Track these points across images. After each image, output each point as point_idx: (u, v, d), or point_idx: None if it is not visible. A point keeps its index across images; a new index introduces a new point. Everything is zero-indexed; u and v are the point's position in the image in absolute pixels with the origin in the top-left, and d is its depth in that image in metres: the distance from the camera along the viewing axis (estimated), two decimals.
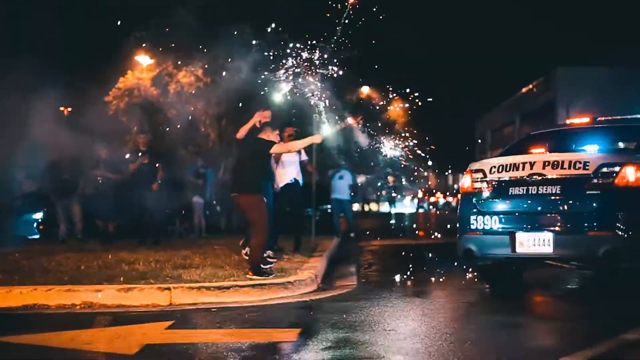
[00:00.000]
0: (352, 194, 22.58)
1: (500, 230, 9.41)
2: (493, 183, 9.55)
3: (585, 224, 8.83)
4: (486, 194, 9.59)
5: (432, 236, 23.27)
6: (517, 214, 9.35)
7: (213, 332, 7.53)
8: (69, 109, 28.49)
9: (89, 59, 27.69)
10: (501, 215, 9.46)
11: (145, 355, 6.52)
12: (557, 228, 9.00)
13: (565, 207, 9.02)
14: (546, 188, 9.10)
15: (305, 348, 6.84)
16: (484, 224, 9.52)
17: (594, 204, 8.82)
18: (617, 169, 8.78)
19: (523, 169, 9.32)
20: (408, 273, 12.33)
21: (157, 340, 7.06)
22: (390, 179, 59.07)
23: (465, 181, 9.96)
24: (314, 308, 9.02)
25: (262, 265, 10.44)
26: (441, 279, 11.43)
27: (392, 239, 20.67)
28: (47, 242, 16.70)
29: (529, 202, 9.25)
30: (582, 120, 11.29)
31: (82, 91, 24.28)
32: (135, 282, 9.61)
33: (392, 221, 37.85)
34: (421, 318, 8.13)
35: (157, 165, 16.19)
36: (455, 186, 71.46)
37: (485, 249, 9.59)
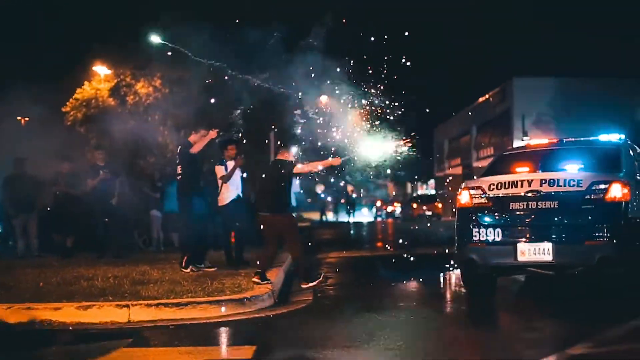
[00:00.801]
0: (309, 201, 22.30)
1: (502, 241, 10.29)
2: (494, 199, 10.48)
3: (582, 235, 9.90)
4: (487, 208, 10.50)
5: (390, 248, 23.44)
6: (518, 226, 10.27)
7: (170, 350, 7.67)
8: (26, 119, 28.34)
9: (47, 68, 27.64)
10: (503, 228, 10.33)
11: None
12: (556, 238, 9.98)
13: (563, 219, 10.05)
14: (545, 203, 10.11)
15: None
16: (487, 236, 10.38)
17: (589, 217, 9.92)
18: (606, 186, 9.97)
19: (522, 186, 10.31)
20: (365, 287, 12.53)
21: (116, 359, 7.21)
22: (349, 188, 59.34)
23: (463, 197, 10.79)
24: (270, 324, 9.21)
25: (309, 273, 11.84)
26: (398, 293, 11.68)
27: (351, 251, 20.78)
28: (5, 258, 16.64)
29: (529, 215, 10.22)
30: (541, 141, 12.54)
31: (40, 102, 24.20)
32: (93, 299, 9.70)
33: (351, 231, 38.05)
34: (377, 334, 8.30)
35: (117, 179, 16.28)
36: (414, 195, 71.89)
37: (488, 258, 10.46)
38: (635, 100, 33.46)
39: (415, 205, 55.73)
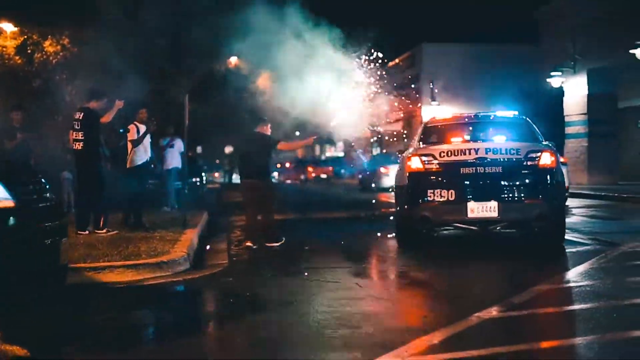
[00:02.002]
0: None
1: (454, 200, 11.60)
2: (445, 164, 11.79)
3: (522, 195, 11.50)
4: (439, 172, 11.78)
5: (300, 210, 23.50)
6: (467, 188, 11.60)
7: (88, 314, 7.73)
8: None
9: None
10: (455, 189, 11.62)
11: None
12: (500, 198, 11.46)
13: (506, 182, 11.53)
14: (491, 168, 11.57)
15: (179, 329, 7.14)
16: (441, 196, 11.66)
17: (527, 180, 11.56)
18: (538, 154, 11.70)
19: (470, 154, 11.77)
20: (278, 250, 12.71)
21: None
22: None
23: (414, 163, 12.02)
24: (187, 288, 9.36)
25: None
26: (312, 255, 11.95)
27: None
28: None
29: (477, 178, 11.59)
30: (447, 115, 14.76)
31: None
32: None
33: None
34: (291, 298, 8.47)
35: (29, 141, 15.99)
36: (323, 157, 72.27)
37: (441, 215, 11.78)
38: (544, 68, 34.09)
39: (310, 169, 56.80)
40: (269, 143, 13.34)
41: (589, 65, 31.90)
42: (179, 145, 20.55)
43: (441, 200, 11.64)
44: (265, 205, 13.25)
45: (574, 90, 32.83)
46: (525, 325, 7.12)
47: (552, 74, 32.58)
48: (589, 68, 31.96)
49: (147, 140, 14.71)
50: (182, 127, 16.26)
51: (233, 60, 37.07)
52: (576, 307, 7.73)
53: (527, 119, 13.59)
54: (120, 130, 18.14)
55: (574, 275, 9.47)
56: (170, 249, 11.20)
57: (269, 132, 13.57)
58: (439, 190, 11.67)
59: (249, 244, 12.92)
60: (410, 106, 48.97)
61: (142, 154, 14.63)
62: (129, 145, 14.57)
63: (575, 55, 32.34)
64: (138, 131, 14.54)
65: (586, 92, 32.30)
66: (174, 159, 20.62)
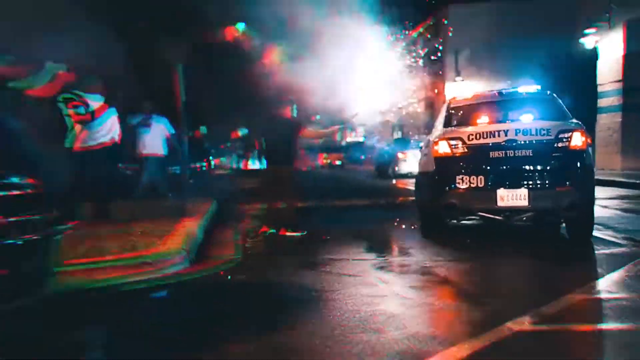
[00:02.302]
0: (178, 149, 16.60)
1: (484, 187, 10.94)
2: (474, 148, 11.12)
3: (552, 181, 10.67)
4: (468, 157, 11.12)
5: (318, 197, 22.04)
6: (497, 173, 10.91)
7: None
8: None
9: None
10: (484, 175, 10.95)
11: None
12: (531, 185, 10.71)
13: (537, 167, 10.75)
14: (521, 151, 10.84)
15: (176, 335, 6.60)
16: (470, 183, 11.00)
17: (558, 164, 10.72)
18: (569, 134, 10.80)
19: (499, 136, 11.01)
20: (293, 241, 12.09)
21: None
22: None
23: (442, 147, 11.40)
24: (185, 288, 8.59)
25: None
26: (329, 246, 11.38)
27: (271, 201, 19.48)
28: None
29: (507, 163, 10.89)
30: (467, 95, 13.54)
31: None
32: None
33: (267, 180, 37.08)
34: (310, 292, 7.95)
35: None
36: (343, 143, 70.91)
37: (469, 203, 11.12)
38: (576, 28, 31.52)
39: (323, 154, 56.18)
40: (292, 127, 12.95)
41: (628, 15, 27.96)
42: (160, 126, 16.88)
43: (470, 186, 11.03)
44: (288, 193, 12.95)
45: (608, 50, 29.39)
46: (559, 342, 6.30)
47: (586, 31, 29.59)
48: (629, 18, 27.93)
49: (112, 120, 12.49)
50: (175, 104, 14.62)
51: (240, 27, 34.80)
52: (612, 326, 6.69)
53: (554, 94, 12.69)
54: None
55: (609, 283, 8.32)
56: (169, 240, 10.36)
57: (292, 114, 13.17)
58: (467, 176, 11.03)
59: (265, 229, 12.80)
60: (434, 82, 48.04)
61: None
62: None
63: (612, 4, 28.75)
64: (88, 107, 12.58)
65: (622, 52, 28.49)
66: (152, 142, 16.83)
